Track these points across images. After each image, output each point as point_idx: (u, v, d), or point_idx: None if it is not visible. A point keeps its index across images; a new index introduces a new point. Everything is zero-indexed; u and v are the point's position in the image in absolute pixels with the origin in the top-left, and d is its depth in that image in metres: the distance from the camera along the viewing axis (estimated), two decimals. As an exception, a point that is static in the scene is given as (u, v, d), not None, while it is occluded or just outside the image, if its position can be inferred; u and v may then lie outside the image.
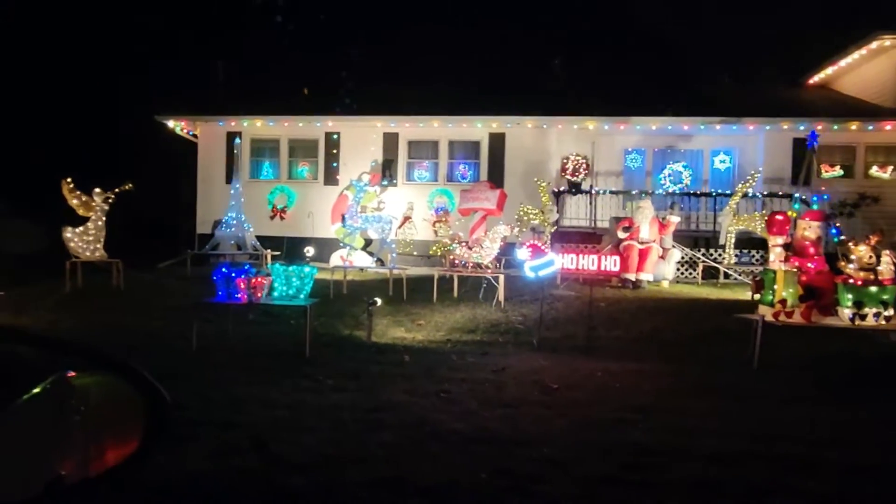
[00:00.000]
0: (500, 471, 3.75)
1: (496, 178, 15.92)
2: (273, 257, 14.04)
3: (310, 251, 12.81)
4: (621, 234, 11.92)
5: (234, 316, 7.72)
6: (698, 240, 14.15)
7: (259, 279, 6.89)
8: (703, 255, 13.56)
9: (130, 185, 11.70)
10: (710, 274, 13.37)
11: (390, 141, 16.82)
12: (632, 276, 11.73)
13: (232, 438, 4.19)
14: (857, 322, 6.55)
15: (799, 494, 3.71)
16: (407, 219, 15.84)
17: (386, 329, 8.86)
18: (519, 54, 24.09)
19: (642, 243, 11.83)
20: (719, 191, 14.58)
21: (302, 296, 7.18)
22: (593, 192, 15.27)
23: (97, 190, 11.51)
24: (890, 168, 15.12)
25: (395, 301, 10.66)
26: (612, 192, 15.11)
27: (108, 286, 11.20)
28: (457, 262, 11.34)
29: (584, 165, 15.33)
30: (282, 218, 17.00)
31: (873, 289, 6.56)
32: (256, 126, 17.09)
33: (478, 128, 16.35)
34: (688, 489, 3.73)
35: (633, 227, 11.92)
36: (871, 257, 6.67)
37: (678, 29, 28.38)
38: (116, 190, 11.63)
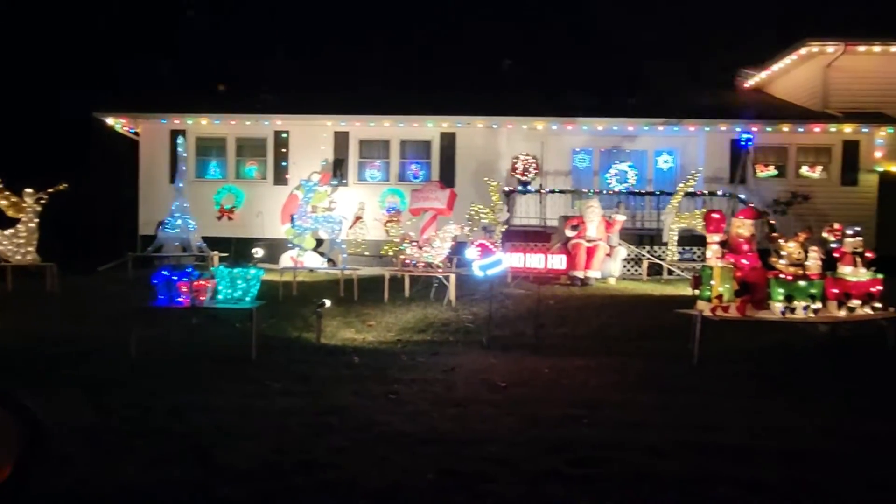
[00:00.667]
0: (448, 471, 3.78)
1: (447, 177, 15.98)
2: (220, 259, 13.74)
3: (258, 252, 12.57)
4: (570, 233, 12.15)
5: (176, 321, 7.52)
6: (643, 237, 14.55)
7: (202, 282, 6.73)
8: (648, 252, 13.94)
9: (65, 185, 11.26)
10: (655, 270, 13.76)
11: (341, 140, 16.69)
12: (580, 274, 11.96)
13: (170, 448, 4.09)
14: (788, 315, 6.86)
15: (736, 483, 3.85)
16: (358, 219, 15.75)
17: (336, 330, 8.78)
18: (469, 55, 24.27)
19: (590, 241, 12.08)
20: (662, 190, 15.02)
21: (248, 298, 7.05)
22: (543, 191, 15.50)
23: (28, 190, 11.04)
24: (819, 168, 15.87)
25: (345, 302, 10.59)
26: (560, 192, 15.37)
27: (42, 291, 10.75)
28: (408, 261, 11.34)
29: (534, 165, 15.55)
30: (229, 218, 16.66)
31: (802, 283, 6.88)
32: (202, 124, 16.69)
33: (429, 127, 16.39)
34: (629, 481, 3.83)
35: (581, 225, 12.16)
36: (800, 253, 6.99)
37: (624, 33, 29.06)
38: (49, 190, 11.17)
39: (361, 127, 16.57)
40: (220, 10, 28.79)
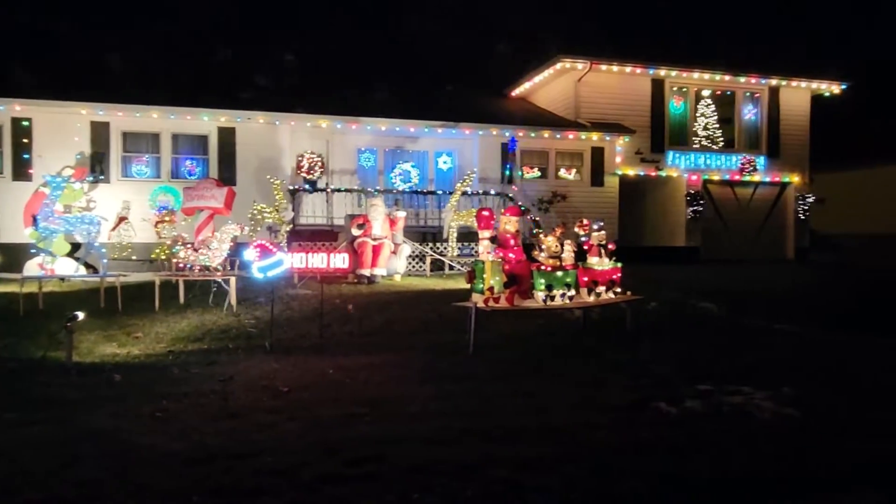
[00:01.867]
0: (216, 491, 3.53)
1: (228, 174, 15.08)
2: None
3: (-9, 260, 10.68)
4: (356, 232, 12.21)
5: None
6: (426, 235, 15.17)
7: None
8: (431, 248, 14.58)
9: None
10: (438, 266, 14.44)
11: (100, 131, 14.83)
12: (367, 272, 12.09)
13: None
14: (549, 303, 7.64)
15: (505, 461, 4.15)
16: (122, 219, 14.18)
17: (94, 346, 7.80)
18: (251, 50, 23.19)
19: (375, 240, 12.26)
20: (443, 189, 15.81)
21: (-27, 316, 5.93)
22: (329, 190, 15.38)
23: None
24: (574, 171, 17.97)
25: (107, 313, 9.47)
26: (347, 190, 15.38)
27: None
28: (182, 265, 10.47)
29: (320, 163, 15.33)
30: (-49, 221, 13.89)
31: (559, 273, 7.72)
32: None
33: (205, 121, 15.30)
34: (408, 474, 3.92)
35: (367, 224, 12.29)
36: (557, 246, 7.83)
37: (406, 39, 30.08)
38: None
39: (125, 118, 14.90)
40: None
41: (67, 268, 11.48)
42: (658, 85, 18.93)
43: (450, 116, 16.69)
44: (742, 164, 19.37)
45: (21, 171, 14.31)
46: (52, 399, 5.44)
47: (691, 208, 18.83)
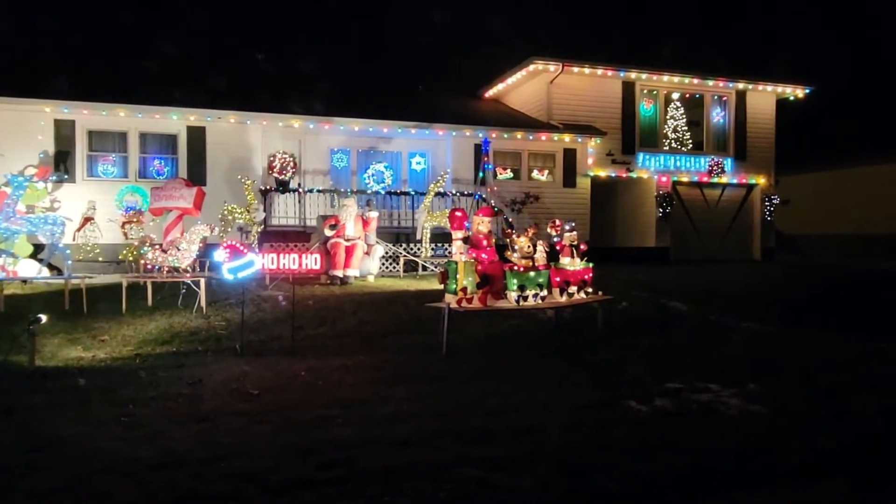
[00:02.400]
0: (183, 497, 3.47)
1: (197, 174, 14.83)
2: None
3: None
4: (328, 232, 12.11)
5: None
6: (399, 235, 15.12)
7: None
8: (405, 249, 14.54)
9: None
10: (412, 267, 14.40)
11: (64, 129, 14.47)
12: (339, 273, 12.00)
13: None
14: (522, 303, 7.67)
15: (478, 462, 4.16)
16: (88, 220, 13.85)
17: (57, 350, 7.60)
18: (224, 47, 22.87)
19: (348, 240, 12.18)
20: (416, 190, 15.77)
21: (-71, 320, 5.73)
22: (301, 190, 15.23)
23: None
24: (546, 172, 18.09)
25: (72, 315, 9.24)
26: (319, 191, 15.26)
27: None
28: (150, 266, 10.27)
29: (292, 164, 15.17)
30: None
31: (532, 274, 7.75)
32: None
33: (174, 120, 15.03)
34: (379, 476, 3.90)
35: (340, 224, 12.20)
36: (529, 247, 7.86)
37: (380, 40, 30.00)
38: None
39: (91, 116, 14.55)
40: None
41: (30, 269, 11.15)
42: (629, 87, 19.16)
43: (423, 117, 16.66)
44: (710, 165, 19.71)
45: (-20, 170, 13.89)
46: (11, 405, 5.28)
47: (661, 209, 19.09)
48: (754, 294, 12.54)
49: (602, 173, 18.63)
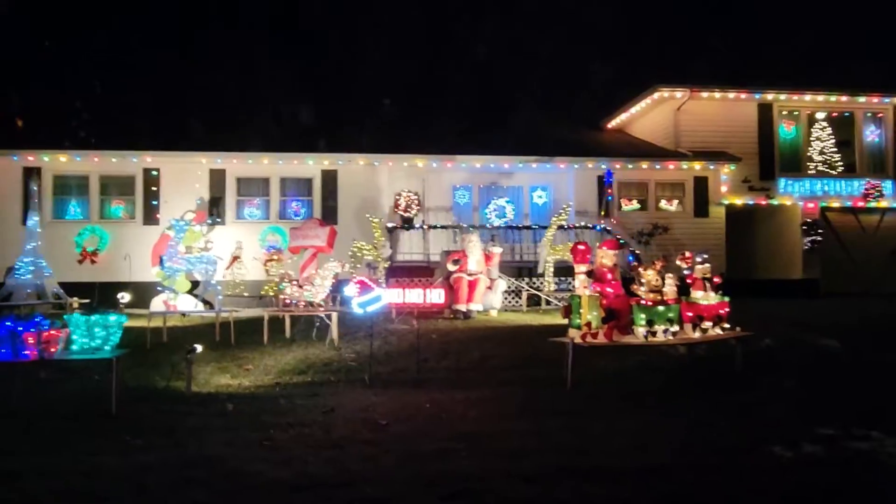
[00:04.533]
0: (317, 517, 3.66)
1: (330, 214, 15.84)
2: (80, 305, 12.65)
3: (124, 297, 11.70)
4: (451, 267, 12.37)
5: (22, 376, 6.80)
6: (522, 270, 15.10)
7: (52, 332, 6.16)
8: (527, 283, 14.48)
9: None
10: (535, 301, 14.29)
11: (217, 178, 16.10)
12: (462, 307, 12.18)
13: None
14: (650, 338, 7.35)
15: (602, 502, 4.02)
16: (236, 258, 15.15)
17: (209, 377, 8.33)
18: (350, 93, 24.46)
19: (471, 275, 12.36)
20: (538, 224, 15.74)
21: (108, 347, 6.53)
22: (425, 227, 15.74)
23: None
24: (675, 201, 17.36)
25: (222, 346, 10.09)
26: (442, 227, 15.68)
27: None
28: (288, 301, 11.03)
29: (416, 201, 15.77)
30: (93, 261, 15.45)
31: (661, 308, 7.43)
32: (60, 161, 15.49)
33: (310, 164, 16.22)
34: (503, 511, 3.88)
35: (463, 259, 12.43)
36: (657, 280, 7.56)
37: (496, 75, 30.63)
38: None
39: (239, 164, 16.10)
40: (79, 39, 27.11)
41: (188, 304, 12.41)
42: (765, 109, 18.04)
43: (544, 151, 16.70)
44: (866, 189, 17.93)
45: (150, 216, 15.75)
46: (172, 426, 5.86)
47: (808, 238, 17.56)
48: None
49: (738, 201, 17.56)
